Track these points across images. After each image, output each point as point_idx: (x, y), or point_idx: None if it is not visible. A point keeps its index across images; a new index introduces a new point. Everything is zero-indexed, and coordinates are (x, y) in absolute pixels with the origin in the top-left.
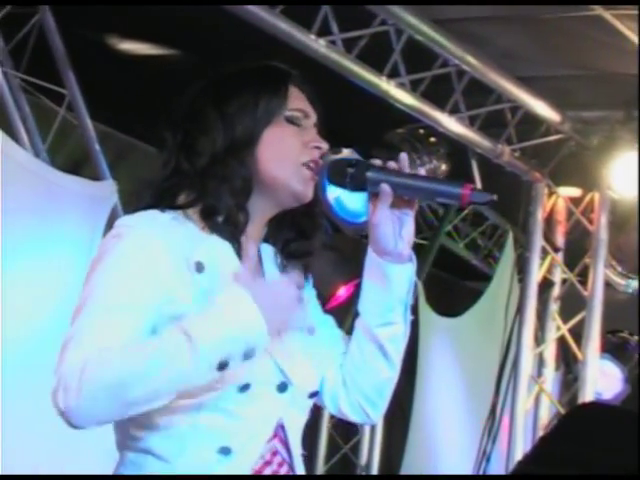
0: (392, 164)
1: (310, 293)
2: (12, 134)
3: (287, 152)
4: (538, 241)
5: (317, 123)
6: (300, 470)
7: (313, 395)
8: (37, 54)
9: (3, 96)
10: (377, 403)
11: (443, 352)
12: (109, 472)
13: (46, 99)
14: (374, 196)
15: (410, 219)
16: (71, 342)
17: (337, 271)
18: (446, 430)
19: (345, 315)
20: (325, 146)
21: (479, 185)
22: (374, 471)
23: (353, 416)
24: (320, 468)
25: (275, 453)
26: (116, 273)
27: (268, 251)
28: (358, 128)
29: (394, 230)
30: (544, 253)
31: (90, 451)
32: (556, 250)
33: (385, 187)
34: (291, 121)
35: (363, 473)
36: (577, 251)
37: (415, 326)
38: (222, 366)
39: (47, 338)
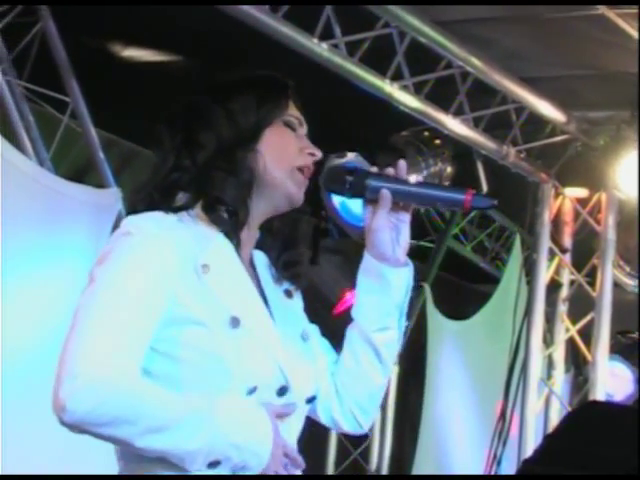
0: (390, 171)
1: (300, 302)
2: (16, 143)
3: (286, 153)
4: (545, 242)
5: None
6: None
7: (310, 400)
8: (40, 62)
9: (6, 105)
10: (369, 411)
11: (452, 355)
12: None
13: (49, 107)
14: (372, 202)
15: (406, 226)
16: (83, 342)
17: (344, 275)
18: (456, 434)
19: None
20: (319, 154)
21: (485, 187)
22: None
23: (345, 425)
24: (330, 474)
25: None
26: (126, 272)
27: (261, 258)
28: (362, 132)
29: (391, 236)
30: (551, 254)
31: (91, 452)
32: (563, 251)
33: (385, 192)
34: (289, 125)
35: None
36: (585, 252)
37: (423, 329)
38: (213, 464)
39: (51, 347)
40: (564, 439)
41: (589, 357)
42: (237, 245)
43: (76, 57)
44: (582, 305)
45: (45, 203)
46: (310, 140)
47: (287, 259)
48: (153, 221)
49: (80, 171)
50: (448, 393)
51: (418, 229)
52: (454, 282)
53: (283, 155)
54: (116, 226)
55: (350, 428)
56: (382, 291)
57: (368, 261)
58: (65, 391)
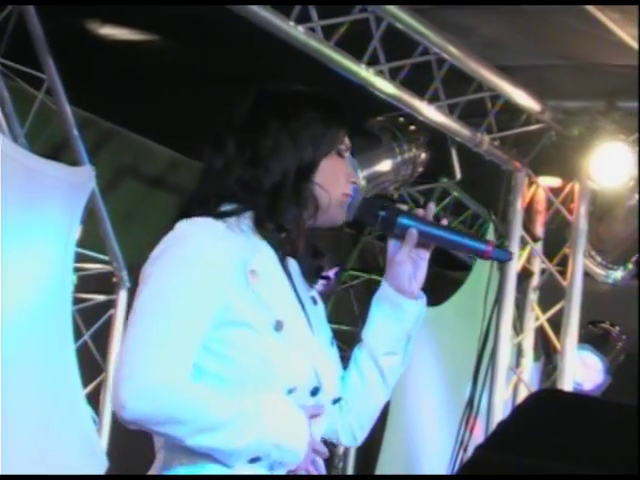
0: (420, 212)
1: (323, 308)
2: None
3: (338, 183)
4: (517, 231)
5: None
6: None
7: (336, 401)
8: (16, 38)
9: None
10: (366, 428)
11: (422, 341)
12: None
13: (24, 83)
14: (398, 237)
15: (424, 262)
16: (143, 347)
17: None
18: (424, 420)
19: (324, 303)
20: (359, 182)
21: (458, 174)
22: (351, 459)
23: (343, 438)
24: None
25: None
26: (181, 278)
27: (293, 265)
28: None
29: (410, 270)
30: (523, 243)
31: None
32: (535, 240)
33: (413, 231)
34: (339, 154)
35: (340, 462)
36: (556, 241)
37: None
38: (254, 460)
39: (24, 327)
40: (518, 425)
41: (558, 346)
42: (282, 255)
43: (52, 34)
44: (552, 294)
45: (19, 180)
46: None
47: (319, 267)
48: (206, 227)
49: (55, 149)
50: (418, 378)
51: None
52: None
53: (336, 185)
54: (89, 204)
55: (346, 441)
56: (396, 319)
57: (386, 289)
58: (126, 391)
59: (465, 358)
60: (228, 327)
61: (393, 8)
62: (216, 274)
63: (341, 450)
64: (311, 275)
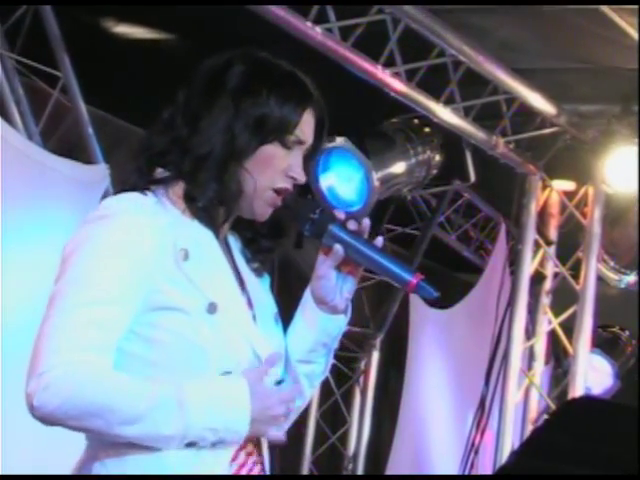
0: (353, 224)
1: (267, 280)
2: (5, 116)
3: (269, 174)
4: (531, 234)
5: (311, 148)
6: (267, 457)
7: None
8: (32, 36)
9: None
10: (282, 425)
11: (433, 344)
12: None
13: (40, 81)
14: (326, 248)
15: (353, 279)
16: (56, 336)
17: None
18: (435, 422)
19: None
20: (302, 179)
21: (473, 177)
22: (361, 461)
23: None
24: (307, 457)
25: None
26: (100, 262)
27: (234, 241)
28: (353, 117)
29: (336, 285)
30: (536, 246)
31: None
32: (549, 243)
33: (338, 248)
34: (285, 145)
35: (350, 464)
36: (570, 245)
37: (405, 317)
38: (190, 444)
39: (33, 325)
40: (553, 432)
41: (570, 350)
42: (215, 232)
43: (69, 32)
44: (565, 298)
45: (33, 177)
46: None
47: (264, 246)
48: (131, 203)
49: (69, 147)
50: (429, 381)
51: (404, 216)
52: (438, 270)
53: (265, 175)
54: None
55: None
56: (312, 331)
57: (307, 299)
58: (31, 388)
59: (476, 361)
60: (158, 311)
61: (410, 9)
62: (141, 257)
63: (351, 452)
64: (250, 249)
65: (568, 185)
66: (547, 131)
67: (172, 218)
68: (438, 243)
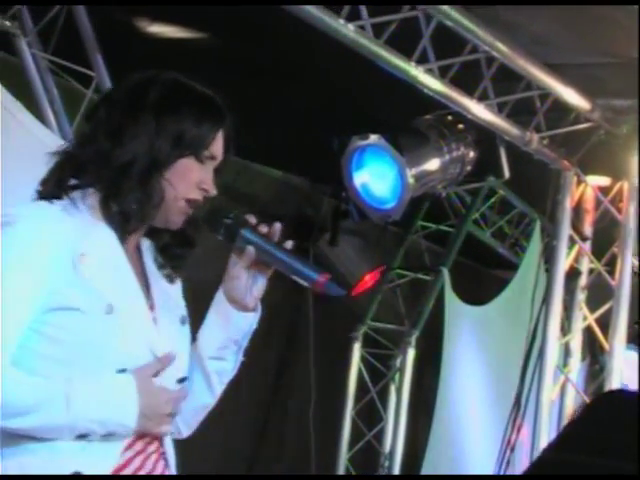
0: (264, 229)
1: (180, 286)
2: (39, 116)
3: (183, 185)
4: (566, 230)
5: (221, 164)
6: (171, 449)
7: (182, 381)
8: (65, 36)
9: (31, 77)
10: (190, 424)
11: (469, 340)
12: None
13: (74, 81)
14: (238, 251)
15: (263, 279)
16: None
17: (363, 257)
18: (471, 419)
19: (370, 301)
20: (212, 192)
21: (507, 173)
22: (398, 458)
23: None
24: (343, 455)
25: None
26: (4, 266)
27: (147, 244)
28: (385, 114)
29: (247, 284)
30: (571, 242)
31: None
32: (584, 239)
33: (250, 250)
34: (199, 159)
35: (387, 461)
36: (605, 240)
37: (441, 313)
38: (82, 436)
39: None
40: (585, 426)
41: (606, 346)
42: (121, 237)
43: (102, 31)
44: (600, 294)
45: None
46: (335, 121)
47: (176, 253)
48: (34, 211)
49: None
50: (464, 378)
51: (438, 213)
52: (473, 267)
53: (181, 187)
54: None
55: (172, 432)
56: (224, 328)
57: (220, 298)
58: None
59: (511, 358)
60: (58, 311)
61: (443, 5)
62: (39, 261)
63: (387, 449)
64: (166, 257)
65: (603, 180)
66: (581, 126)
67: (77, 224)
68: (473, 240)
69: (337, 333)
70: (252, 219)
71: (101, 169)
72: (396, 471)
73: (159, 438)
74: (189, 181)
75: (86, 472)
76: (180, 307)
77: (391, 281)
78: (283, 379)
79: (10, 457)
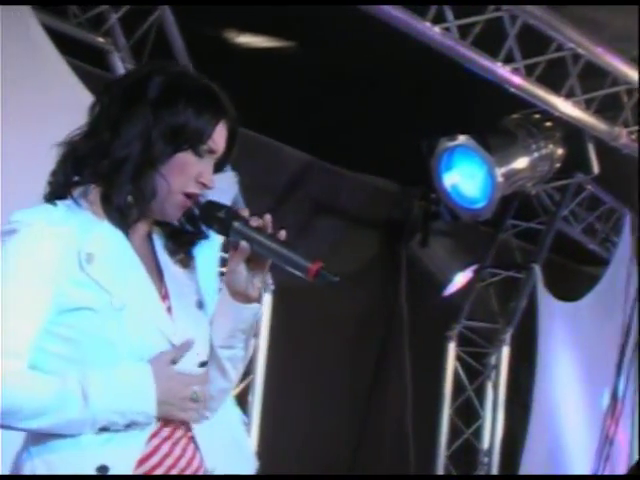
0: (256, 221)
1: (195, 268)
2: None
3: (181, 180)
4: None
5: (222, 157)
6: (202, 436)
7: (203, 365)
8: (157, 50)
9: None
10: (212, 407)
11: (562, 336)
12: None
13: None
14: (234, 245)
15: (262, 270)
16: None
17: (454, 257)
18: (568, 414)
19: (462, 302)
20: (211, 186)
21: (596, 169)
22: (496, 455)
23: None
24: (442, 453)
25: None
26: (9, 276)
27: (158, 234)
28: (474, 114)
29: (247, 277)
30: None
31: None
32: None
33: (244, 245)
34: (198, 153)
35: (486, 458)
36: None
37: (534, 310)
38: (103, 429)
39: None
40: None
41: None
42: (124, 230)
43: (192, 44)
44: None
45: None
46: (422, 123)
47: (186, 239)
48: (39, 216)
49: None
50: (559, 372)
51: (528, 211)
52: (564, 264)
53: (179, 181)
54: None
55: None
56: (231, 318)
57: (224, 292)
58: None
59: (605, 352)
60: (70, 312)
61: (527, 5)
62: (46, 265)
63: (485, 446)
64: (172, 242)
65: None
66: None
67: (81, 223)
68: (563, 237)
69: (431, 333)
70: (244, 212)
71: (99, 163)
72: (495, 468)
73: (186, 423)
74: (187, 175)
75: (112, 464)
76: (194, 292)
77: (483, 280)
78: (379, 380)
79: (37, 456)
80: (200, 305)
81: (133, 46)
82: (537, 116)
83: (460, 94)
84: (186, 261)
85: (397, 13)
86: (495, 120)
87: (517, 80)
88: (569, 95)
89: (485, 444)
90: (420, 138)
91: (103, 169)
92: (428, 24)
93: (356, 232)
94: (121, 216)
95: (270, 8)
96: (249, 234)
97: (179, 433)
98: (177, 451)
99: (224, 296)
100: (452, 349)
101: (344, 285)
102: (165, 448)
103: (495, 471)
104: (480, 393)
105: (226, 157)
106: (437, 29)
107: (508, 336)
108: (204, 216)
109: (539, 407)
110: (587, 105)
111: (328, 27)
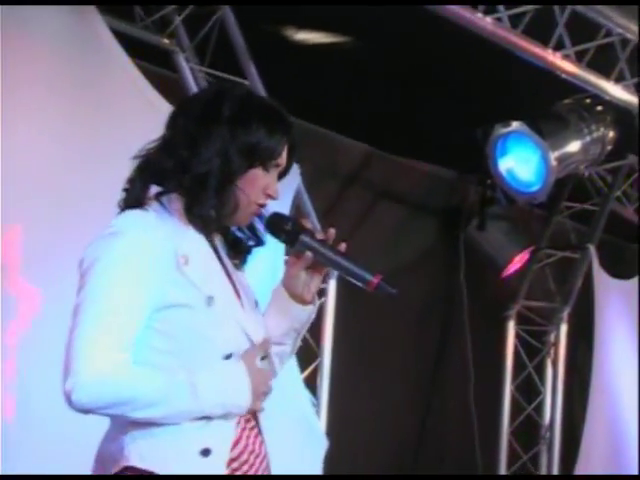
0: (321, 234)
1: (244, 271)
2: None
3: (253, 192)
4: None
5: (283, 170)
6: (265, 427)
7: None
8: (219, 49)
9: (190, 89)
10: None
11: (619, 313)
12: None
13: None
14: (297, 252)
15: (319, 276)
16: (83, 342)
17: (511, 241)
18: (626, 388)
19: (520, 283)
20: (276, 197)
21: None
22: (557, 430)
23: None
24: (505, 429)
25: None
26: (115, 275)
27: (219, 240)
28: (526, 101)
29: (305, 282)
30: None
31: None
32: None
33: (308, 255)
34: (266, 168)
35: (547, 433)
36: None
37: (590, 288)
38: (205, 417)
39: None
40: None
41: None
42: (206, 236)
43: (252, 42)
44: None
45: None
46: (476, 111)
47: (246, 246)
48: (135, 220)
49: None
50: (616, 348)
51: (581, 193)
52: (617, 244)
53: (252, 193)
54: (295, 199)
55: None
56: (284, 318)
57: (281, 291)
58: (69, 385)
59: None
60: (168, 309)
61: None
62: (148, 267)
63: (547, 421)
64: (234, 249)
65: None
66: None
67: (171, 229)
68: (616, 217)
69: (491, 314)
70: (307, 223)
71: (181, 177)
72: (557, 442)
73: (253, 414)
74: (257, 188)
75: (213, 447)
76: (252, 293)
77: (540, 261)
78: (442, 362)
79: (141, 438)
80: (257, 305)
81: (196, 46)
82: (588, 101)
83: (512, 81)
84: (238, 266)
85: (449, 5)
86: (547, 106)
87: (568, 66)
88: (618, 79)
89: (546, 419)
90: (475, 126)
91: (186, 183)
92: (480, 15)
93: (416, 219)
94: (204, 225)
95: (327, 4)
96: (314, 246)
97: (251, 424)
98: (251, 440)
99: (281, 299)
100: (512, 328)
101: (406, 271)
102: (247, 432)
103: (557, 445)
104: (540, 370)
105: (287, 168)
106: (489, 19)
107: (565, 314)
108: (272, 227)
109: (597, 382)
110: (636, 88)
111: (383, 21)
